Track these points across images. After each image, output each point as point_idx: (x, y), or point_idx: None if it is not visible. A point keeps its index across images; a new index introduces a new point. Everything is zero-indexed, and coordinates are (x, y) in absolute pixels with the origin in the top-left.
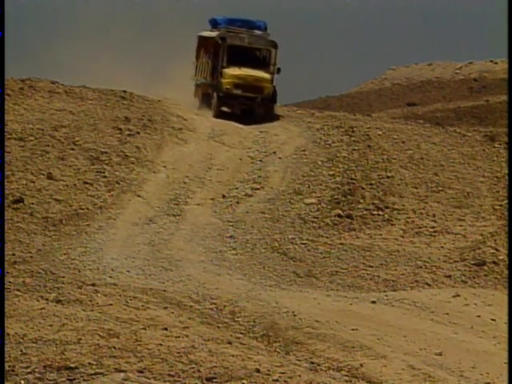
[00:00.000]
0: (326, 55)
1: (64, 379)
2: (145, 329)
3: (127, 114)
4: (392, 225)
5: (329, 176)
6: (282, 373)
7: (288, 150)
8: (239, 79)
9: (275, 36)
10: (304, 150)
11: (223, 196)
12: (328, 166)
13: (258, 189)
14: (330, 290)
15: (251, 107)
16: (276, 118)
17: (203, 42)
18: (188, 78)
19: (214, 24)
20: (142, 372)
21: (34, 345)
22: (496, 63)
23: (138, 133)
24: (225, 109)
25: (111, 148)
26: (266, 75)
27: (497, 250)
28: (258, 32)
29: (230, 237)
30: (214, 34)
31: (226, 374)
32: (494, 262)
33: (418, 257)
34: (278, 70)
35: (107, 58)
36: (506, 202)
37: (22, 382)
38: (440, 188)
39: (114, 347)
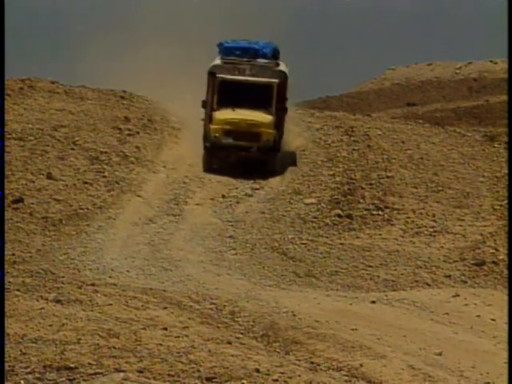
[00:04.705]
0: (326, 55)
1: (64, 379)
2: (145, 329)
3: (127, 114)
4: (392, 225)
5: (329, 176)
6: (282, 373)
7: (288, 150)
8: (230, 125)
9: (276, 36)
10: (304, 150)
11: (223, 196)
12: (328, 166)
13: (257, 189)
14: (329, 290)
15: (247, 159)
16: (278, 172)
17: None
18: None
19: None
20: (141, 372)
21: (33, 345)
22: (496, 63)
23: (138, 133)
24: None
25: (111, 148)
26: (267, 118)
27: (496, 249)
28: (262, 61)
29: (230, 237)
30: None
31: (226, 374)
32: (494, 262)
33: (418, 257)
34: (285, 110)
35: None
36: (505, 202)
37: (22, 382)
38: (440, 188)
39: (114, 347)
